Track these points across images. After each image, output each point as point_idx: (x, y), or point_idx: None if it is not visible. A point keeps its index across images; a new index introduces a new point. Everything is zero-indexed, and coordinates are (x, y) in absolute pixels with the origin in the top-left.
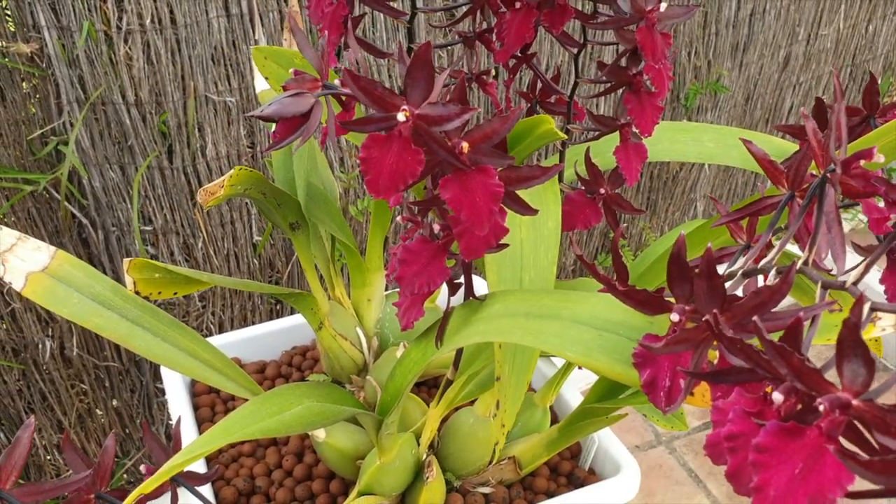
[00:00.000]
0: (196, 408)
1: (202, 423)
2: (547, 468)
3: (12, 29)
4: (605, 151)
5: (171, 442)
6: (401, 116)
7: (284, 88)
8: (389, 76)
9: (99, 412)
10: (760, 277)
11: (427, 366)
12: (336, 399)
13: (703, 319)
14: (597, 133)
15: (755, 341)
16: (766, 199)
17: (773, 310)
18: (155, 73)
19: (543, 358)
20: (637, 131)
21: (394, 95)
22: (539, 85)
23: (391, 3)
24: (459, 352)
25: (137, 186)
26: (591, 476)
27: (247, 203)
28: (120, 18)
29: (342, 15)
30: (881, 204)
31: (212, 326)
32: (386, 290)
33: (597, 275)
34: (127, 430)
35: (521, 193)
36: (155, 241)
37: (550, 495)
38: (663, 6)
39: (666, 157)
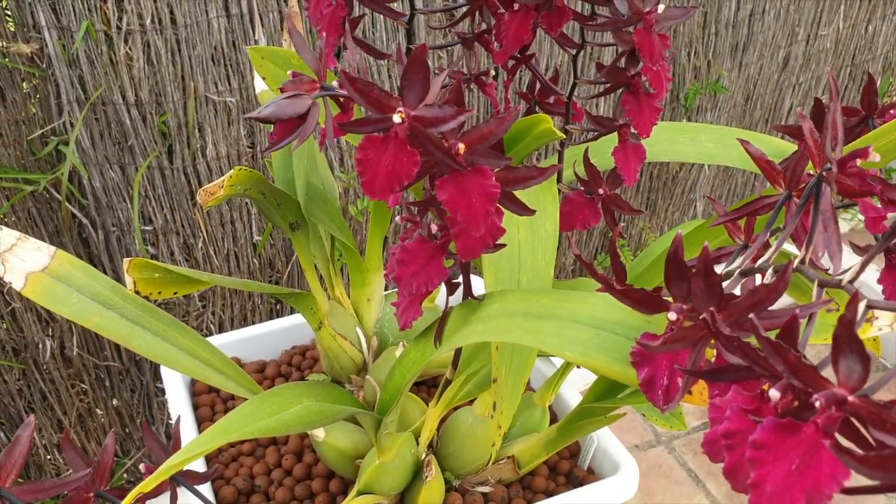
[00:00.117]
0: (196, 407)
1: (202, 423)
2: (546, 467)
3: (12, 29)
4: (603, 152)
5: (171, 441)
6: (397, 118)
7: (282, 90)
8: (389, 77)
9: (99, 411)
10: (758, 276)
11: (426, 365)
12: (335, 398)
13: (701, 318)
14: (595, 133)
15: (752, 339)
16: (764, 198)
17: (770, 308)
18: (155, 74)
19: (542, 357)
20: (635, 132)
21: (390, 97)
22: (538, 85)
23: (390, 4)
24: (458, 351)
25: (138, 186)
26: (590, 475)
27: (247, 203)
28: (120, 18)
29: (341, 16)
30: (878, 203)
31: (212, 326)
32: (385, 289)
33: (595, 274)
34: (127, 430)
35: (519, 194)
36: (155, 240)
37: (549, 494)
38: (661, 8)
39: (664, 158)
